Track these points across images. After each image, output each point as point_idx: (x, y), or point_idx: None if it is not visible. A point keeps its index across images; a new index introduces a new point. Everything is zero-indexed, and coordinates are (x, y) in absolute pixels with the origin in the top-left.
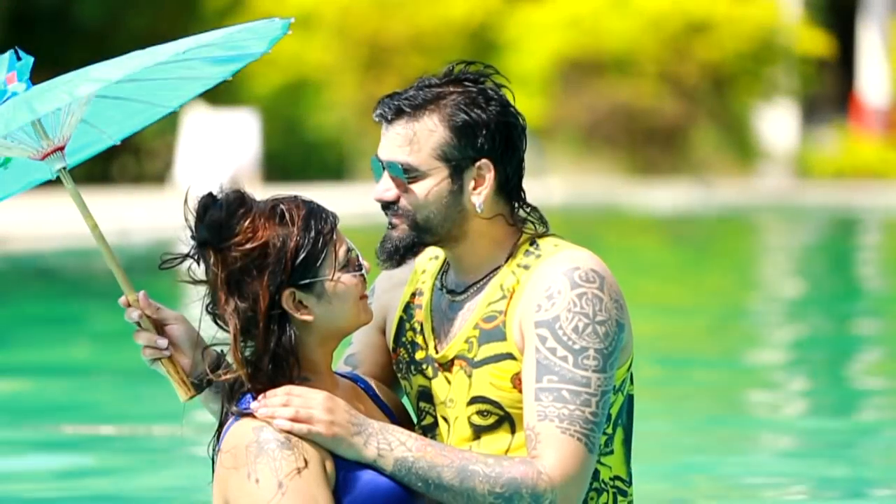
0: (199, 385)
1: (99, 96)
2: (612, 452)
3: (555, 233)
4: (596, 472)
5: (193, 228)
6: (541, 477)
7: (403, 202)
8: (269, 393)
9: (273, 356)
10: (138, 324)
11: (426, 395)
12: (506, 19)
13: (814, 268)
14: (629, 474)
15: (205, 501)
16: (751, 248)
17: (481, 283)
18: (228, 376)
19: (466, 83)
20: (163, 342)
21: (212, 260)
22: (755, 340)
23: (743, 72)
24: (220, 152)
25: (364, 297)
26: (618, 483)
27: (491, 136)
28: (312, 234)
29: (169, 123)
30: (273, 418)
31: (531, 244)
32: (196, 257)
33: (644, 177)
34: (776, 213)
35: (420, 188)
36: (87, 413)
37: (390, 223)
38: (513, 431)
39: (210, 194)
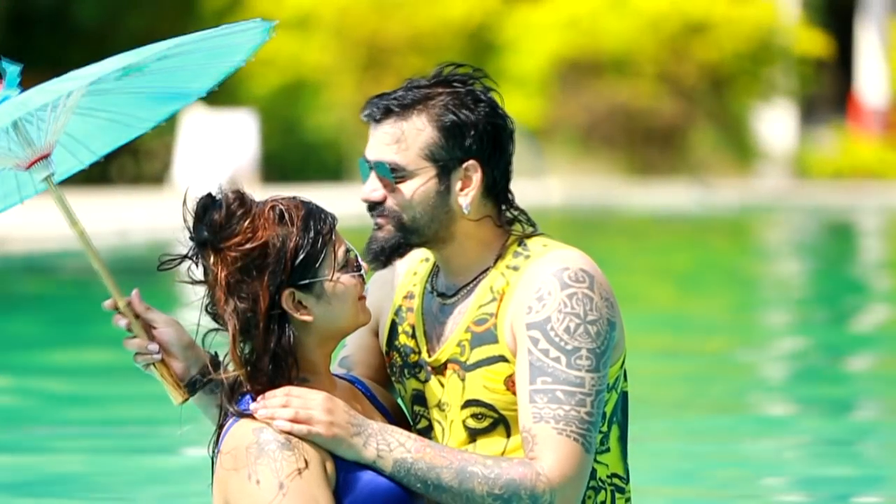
0: (192, 387)
1: (83, 111)
2: (608, 450)
3: (543, 232)
4: (593, 471)
5: (193, 229)
6: (539, 478)
7: (390, 202)
8: (269, 394)
9: (272, 356)
10: (129, 330)
11: (420, 399)
12: (504, 20)
13: (812, 268)
14: (626, 471)
15: (204, 503)
16: (749, 248)
17: (471, 285)
18: (227, 376)
19: (455, 84)
20: (153, 347)
21: (211, 260)
22: (753, 340)
23: (741, 72)
24: (219, 153)
25: (363, 297)
26: (615, 481)
27: (479, 137)
28: (312, 234)
29: (167, 124)
30: (273, 419)
31: (519, 245)
32: (194, 258)
33: (642, 177)
34: (774, 214)
35: (407, 188)
36: (87, 414)
37: (376, 224)
38: (508, 434)
39: (209, 195)
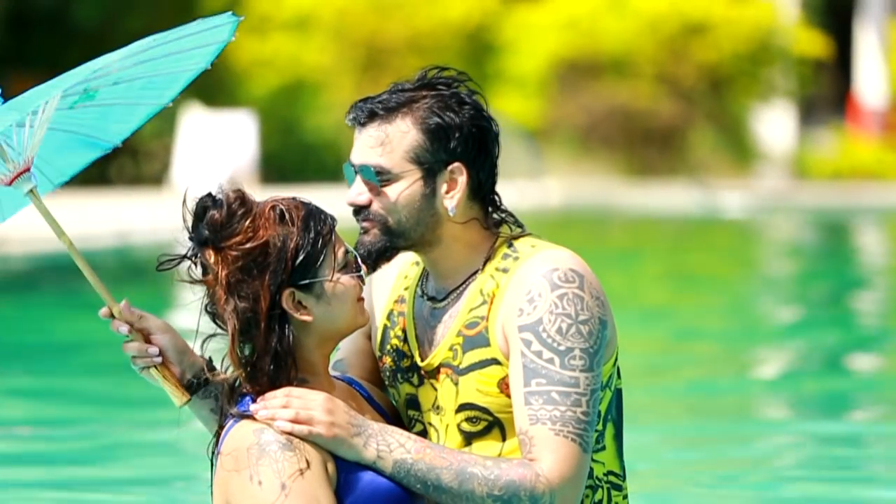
0: (188, 392)
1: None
2: (603, 448)
3: (531, 233)
4: (590, 470)
5: (194, 228)
6: (539, 479)
7: (375, 206)
8: (269, 395)
9: (273, 356)
10: (126, 335)
11: (414, 403)
12: (503, 21)
13: (811, 269)
14: (622, 468)
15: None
16: (748, 248)
17: (461, 288)
18: (227, 377)
19: (440, 87)
20: (154, 350)
21: (212, 259)
22: (753, 341)
23: (740, 73)
24: (218, 154)
25: (361, 299)
26: (611, 478)
27: (464, 139)
28: (312, 234)
29: (166, 125)
30: (273, 420)
31: (508, 246)
32: (193, 258)
33: (642, 178)
34: (774, 214)
35: (392, 191)
36: (87, 414)
37: (362, 228)
38: (503, 436)
39: (210, 194)
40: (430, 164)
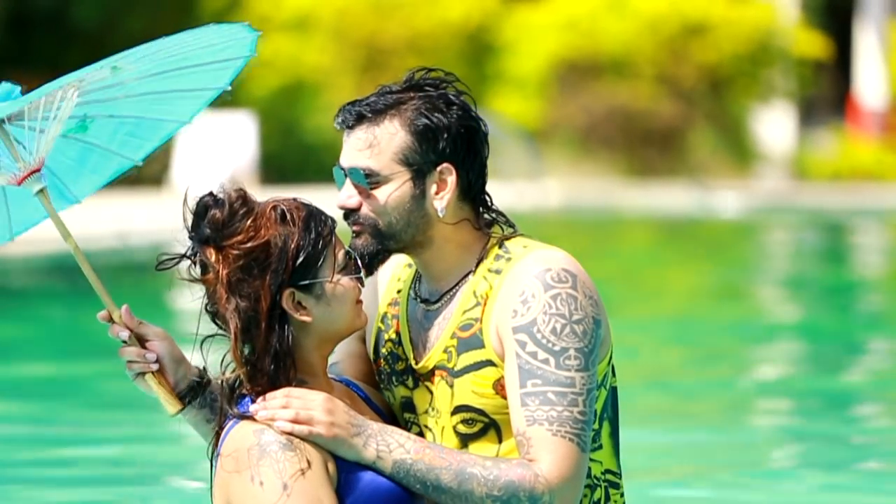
0: (182, 400)
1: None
2: (600, 447)
3: (523, 233)
4: (588, 470)
5: (195, 226)
6: (538, 480)
7: (365, 209)
8: (269, 395)
9: (273, 357)
10: (124, 340)
11: (409, 406)
12: (503, 21)
13: (811, 270)
14: (619, 466)
15: None
16: (748, 249)
17: (454, 290)
18: (227, 377)
19: (427, 88)
20: (151, 356)
21: (213, 258)
22: (752, 342)
23: (740, 74)
24: (218, 154)
25: (360, 301)
26: (609, 476)
27: (452, 140)
28: (313, 235)
29: None
30: (273, 420)
31: (500, 247)
32: (193, 258)
33: (641, 179)
34: (773, 215)
35: (381, 194)
36: (88, 414)
37: (354, 232)
38: (499, 438)
39: (211, 193)
40: (420, 166)
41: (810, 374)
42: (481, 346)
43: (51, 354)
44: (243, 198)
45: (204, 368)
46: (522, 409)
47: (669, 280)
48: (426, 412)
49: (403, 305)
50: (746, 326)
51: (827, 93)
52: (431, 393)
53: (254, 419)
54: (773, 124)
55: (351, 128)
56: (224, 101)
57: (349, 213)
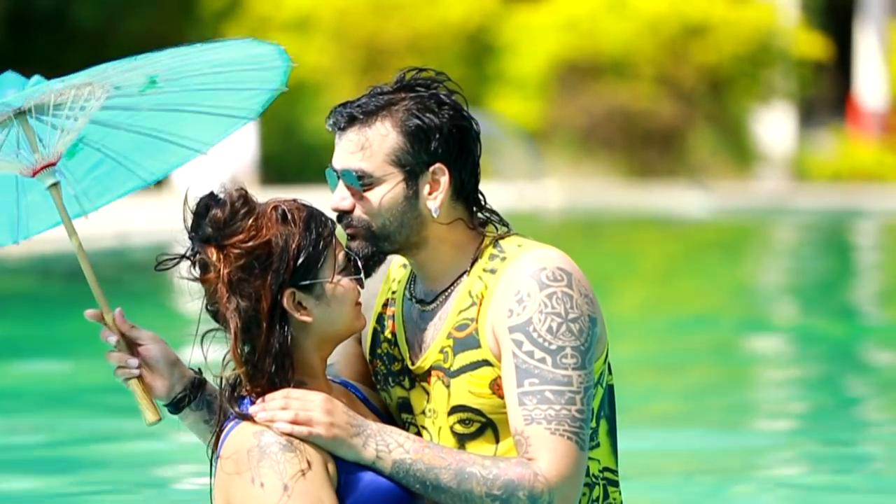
0: (177, 405)
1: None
2: (598, 445)
3: (517, 232)
4: (586, 468)
5: (196, 225)
6: (537, 478)
7: (358, 212)
8: (268, 397)
9: (273, 357)
10: (114, 345)
11: (406, 407)
12: (503, 22)
13: (811, 270)
14: (617, 464)
15: None
16: (748, 250)
17: (449, 290)
18: (226, 376)
19: (418, 89)
20: (133, 361)
21: (214, 257)
22: (753, 343)
23: (740, 74)
24: (218, 155)
25: (359, 303)
26: (607, 474)
27: (444, 140)
28: (314, 235)
29: None
30: (273, 422)
31: (494, 246)
32: (192, 258)
33: (642, 179)
34: (773, 216)
35: (375, 195)
36: (89, 416)
37: (348, 234)
38: (497, 438)
39: (212, 193)
40: (412, 167)
41: (810, 375)
42: (477, 346)
43: (51, 355)
44: (244, 197)
45: (200, 369)
46: (520, 409)
47: (669, 281)
48: (423, 412)
49: (399, 306)
50: (747, 327)
51: (827, 93)
52: (428, 393)
53: (253, 420)
54: (774, 125)
55: (343, 129)
56: None
57: (342, 216)
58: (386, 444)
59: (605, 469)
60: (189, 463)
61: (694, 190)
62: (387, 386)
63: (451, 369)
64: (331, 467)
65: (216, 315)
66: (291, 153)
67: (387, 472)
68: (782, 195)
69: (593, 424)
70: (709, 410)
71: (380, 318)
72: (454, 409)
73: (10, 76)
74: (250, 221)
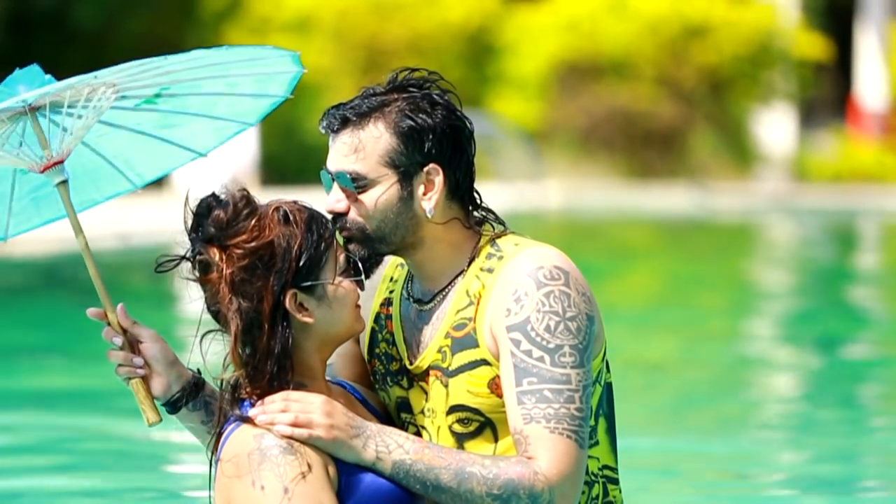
0: (175, 405)
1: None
2: (597, 443)
3: (514, 231)
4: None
5: (199, 225)
6: (537, 477)
7: (352, 214)
8: (268, 399)
9: (274, 358)
10: (117, 345)
11: (405, 406)
12: (503, 23)
13: (812, 271)
14: (616, 462)
15: None
16: (749, 251)
17: (446, 290)
18: (226, 377)
19: (411, 89)
20: (139, 361)
21: (216, 257)
22: (753, 343)
23: (741, 75)
24: (218, 156)
25: (359, 305)
26: (606, 472)
27: (438, 140)
28: (315, 237)
29: None
30: (273, 424)
31: (491, 245)
32: (193, 259)
33: (642, 180)
34: (774, 217)
35: (369, 197)
36: (89, 416)
37: (344, 237)
38: (495, 437)
39: (213, 194)
40: (406, 167)
41: (810, 375)
42: (475, 345)
43: (51, 354)
44: (247, 198)
45: (199, 370)
46: (519, 408)
47: (669, 282)
48: (422, 412)
49: (396, 305)
50: (746, 328)
51: (827, 94)
52: (426, 393)
53: (253, 423)
54: (774, 126)
55: (336, 132)
56: None
57: (337, 218)
58: (386, 445)
59: (605, 467)
60: (189, 464)
61: (694, 190)
62: (385, 386)
63: (450, 369)
64: (331, 469)
65: (217, 315)
66: (292, 154)
67: (387, 472)
68: (782, 196)
69: (592, 423)
70: (708, 411)
71: (378, 318)
72: (453, 409)
73: (35, 69)
74: (253, 222)
